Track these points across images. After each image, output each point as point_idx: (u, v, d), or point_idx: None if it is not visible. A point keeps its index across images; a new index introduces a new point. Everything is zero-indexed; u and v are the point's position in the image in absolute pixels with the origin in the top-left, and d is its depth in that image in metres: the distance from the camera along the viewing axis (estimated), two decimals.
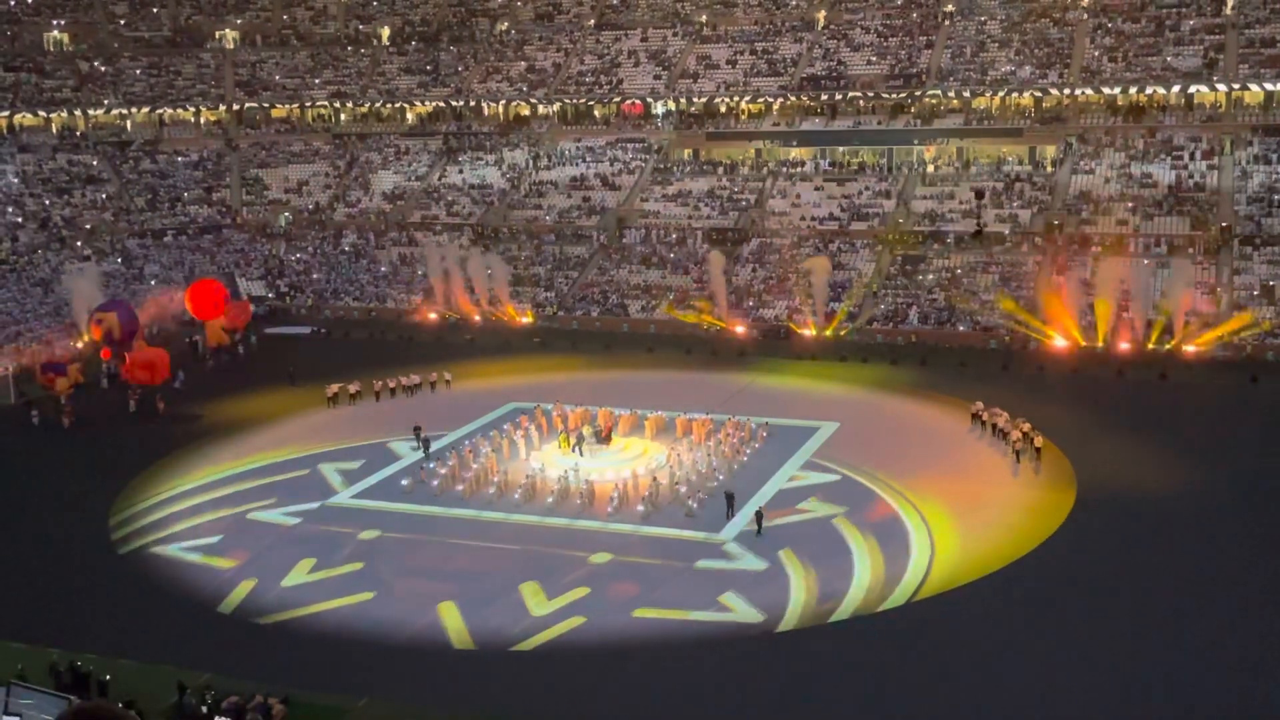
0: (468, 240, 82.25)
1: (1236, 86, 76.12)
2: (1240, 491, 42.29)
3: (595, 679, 31.29)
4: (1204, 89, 77.05)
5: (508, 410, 54.94)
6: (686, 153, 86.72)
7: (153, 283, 77.87)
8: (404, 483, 45.81)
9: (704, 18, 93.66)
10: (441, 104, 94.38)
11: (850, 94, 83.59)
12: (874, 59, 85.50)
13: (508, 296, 74.79)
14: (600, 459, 47.35)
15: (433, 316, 74.36)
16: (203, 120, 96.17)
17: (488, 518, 42.41)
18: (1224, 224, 69.32)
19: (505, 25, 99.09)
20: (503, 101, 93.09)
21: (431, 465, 46.74)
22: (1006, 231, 72.86)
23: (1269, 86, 75.18)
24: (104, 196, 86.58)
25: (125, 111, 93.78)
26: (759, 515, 40.35)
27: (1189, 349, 61.21)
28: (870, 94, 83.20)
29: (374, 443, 50.80)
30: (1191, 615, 33.15)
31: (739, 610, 34.48)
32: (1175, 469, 44.57)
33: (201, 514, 43.53)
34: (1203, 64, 77.42)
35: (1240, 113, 76.42)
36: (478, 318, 73.67)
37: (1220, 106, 77.14)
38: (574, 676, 31.41)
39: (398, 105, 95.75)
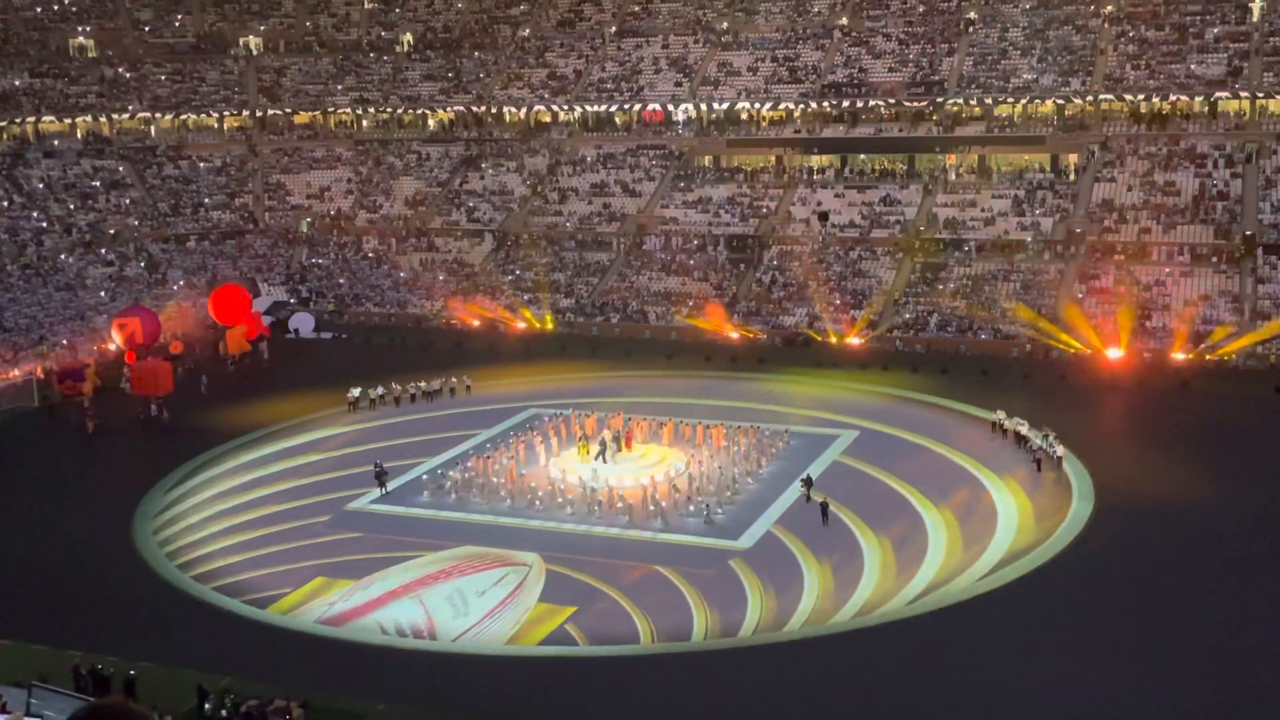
0: (488, 246, 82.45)
1: (1261, 94, 75.63)
2: (1262, 503, 41.88)
3: (609, 685, 31.29)
4: (1228, 96, 76.63)
5: (527, 416, 55.01)
6: (707, 160, 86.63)
7: (175, 287, 78.29)
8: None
9: (725, 25, 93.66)
10: (463, 110, 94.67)
11: (871, 101, 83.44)
12: (895, 66, 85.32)
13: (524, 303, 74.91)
14: (620, 466, 47.38)
15: (454, 322, 74.52)
16: (226, 126, 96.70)
17: (504, 523, 42.52)
18: (1248, 232, 68.88)
19: (527, 32, 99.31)
20: (524, 108, 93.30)
21: (452, 471, 46.85)
22: (1028, 240, 72.55)
23: None
24: (128, 201, 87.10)
25: (149, 117, 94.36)
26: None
27: (1212, 359, 60.78)
28: (891, 101, 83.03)
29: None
30: (1202, 631, 32.70)
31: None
32: (1197, 480, 44.18)
33: (223, 520, 43.90)
34: (1227, 72, 76.96)
35: (1265, 120, 75.86)
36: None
37: (1244, 114, 76.60)
38: (582, 681, 31.41)
39: (419, 111, 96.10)
